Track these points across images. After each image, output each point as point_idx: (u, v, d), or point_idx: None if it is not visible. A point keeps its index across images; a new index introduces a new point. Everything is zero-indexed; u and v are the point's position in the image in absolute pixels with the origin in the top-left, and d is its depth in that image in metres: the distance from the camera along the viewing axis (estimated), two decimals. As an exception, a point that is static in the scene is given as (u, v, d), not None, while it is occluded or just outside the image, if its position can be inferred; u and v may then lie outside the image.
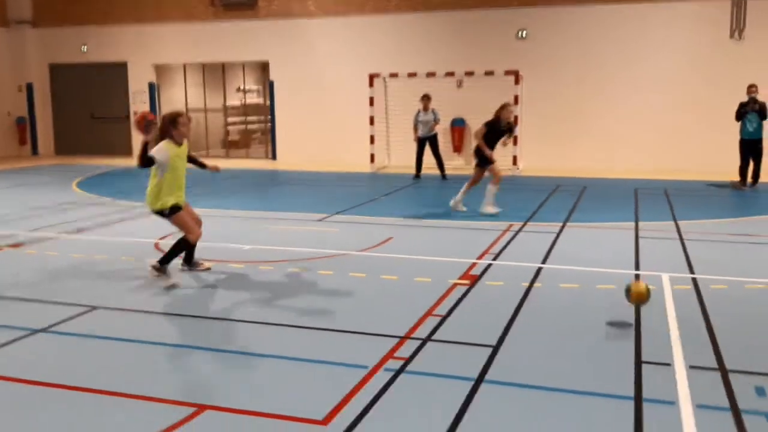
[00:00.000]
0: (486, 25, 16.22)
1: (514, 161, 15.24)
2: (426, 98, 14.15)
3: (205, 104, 20.10)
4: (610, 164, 15.48)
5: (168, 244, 6.94)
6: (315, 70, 17.62)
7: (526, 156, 15.88)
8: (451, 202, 10.11)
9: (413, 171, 14.51)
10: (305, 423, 3.57)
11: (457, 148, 16.69)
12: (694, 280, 6.29)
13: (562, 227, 8.84)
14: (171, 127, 6.20)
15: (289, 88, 17.91)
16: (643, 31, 15.34)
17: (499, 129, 9.71)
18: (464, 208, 9.95)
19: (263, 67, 19.09)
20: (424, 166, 14.44)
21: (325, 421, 3.59)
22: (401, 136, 16.38)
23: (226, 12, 18.30)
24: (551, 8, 15.79)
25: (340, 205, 10.70)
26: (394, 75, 16.04)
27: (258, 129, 22.06)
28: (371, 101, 15.85)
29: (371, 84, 15.89)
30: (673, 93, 15.27)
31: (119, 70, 19.55)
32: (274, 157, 18.54)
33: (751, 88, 12.55)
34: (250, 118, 21.71)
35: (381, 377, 4.17)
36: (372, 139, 16.02)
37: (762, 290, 6.02)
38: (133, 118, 7.08)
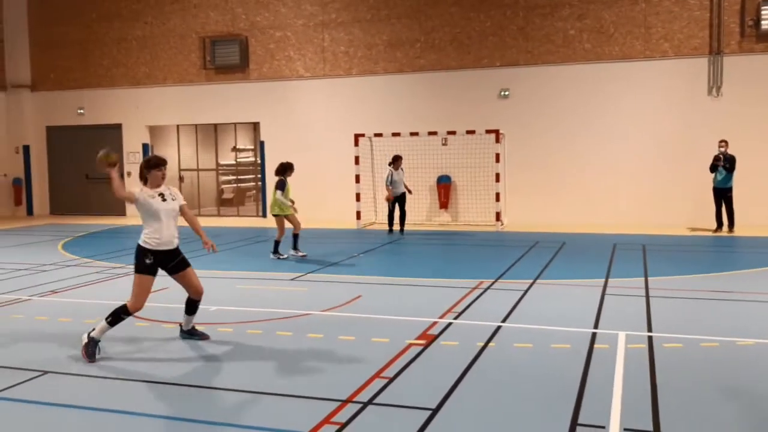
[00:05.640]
0: (469, 86, 16.59)
1: (497, 217, 15.36)
2: (398, 159, 14.58)
3: (197, 164, 20.44)
4: (592, 219, 15.58)
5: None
6: (303, 130, 17.98)
7: (510, 212, 16.01)
8: None
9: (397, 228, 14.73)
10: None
11: (444, 205, 16.87)
12: (649, 338, 6.29)
13: (531, 284, 8.88)
14: None
15: (278, 147, 18.24)
16: (622, 88, 15.66)
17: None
18: None
19: (255, 127, 19.49)
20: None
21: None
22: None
23: (218, 75, 18.80)
24: (533, 68, 16.17)
25: (318, 264, 10.78)
26: (378, 135, 16.35)
27: (251, 187, 22.34)
28: (356, 160, 16.11)
29: (356, 143, 16.19)
30: (654, 147, 15.48)
31: (114, 131, 19.98)
32: (264, 214, 18.73)
33: (720, 143, 13.69)
34: (243, 177, 22.02)
35: (312, 443, 4.18)
36: (358, 197, 16.22)
37: (714, 348, 6.00)
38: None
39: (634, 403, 4.74)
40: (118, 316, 5.85)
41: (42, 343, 6.48)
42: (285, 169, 11.37)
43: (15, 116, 20.60)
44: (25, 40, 20.45)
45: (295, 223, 11.38)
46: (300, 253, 11.41)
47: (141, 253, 5.90)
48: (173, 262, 6.07)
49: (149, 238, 5.92)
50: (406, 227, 14.75)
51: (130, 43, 19.46)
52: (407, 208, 14.84)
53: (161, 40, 19.21)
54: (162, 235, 5.92)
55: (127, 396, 5.16)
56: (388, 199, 14.38)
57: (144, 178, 6.15)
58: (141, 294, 5.88)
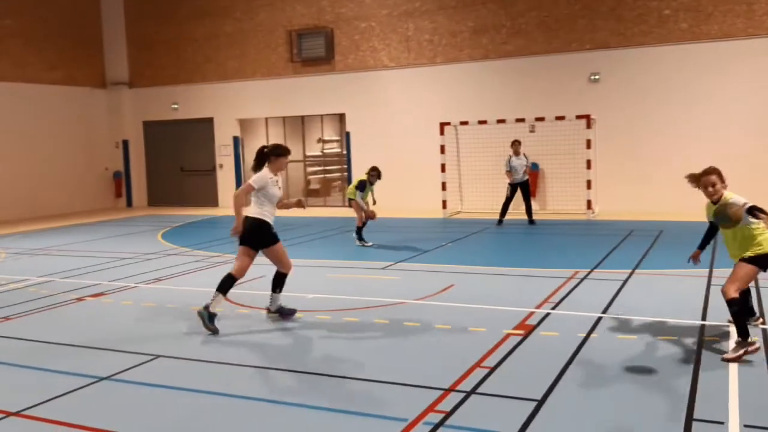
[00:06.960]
0: (557, 70, 16.17)
1: (589, 205, 14.93)
2: (517, 143, 14.12)
3: (285, 155, 20.82)
4: (690, 207, 14.83)
5: (239, 294, 7.23)
6: (388, 120, 18.02)
7: (601, 200, 15.53)
8: None
9: (486, 216, 14.52)
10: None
11: (532, 193, 16.50)
12: (764, 331, 5.97)
13: (630, 274, 8.59)
14: None
15: (364, 137, 18.37)
16: (722, 70, 14.86)
17: None
18: None
19: (340, 118, 19.70)
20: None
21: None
22: (473, 182, 16.46)
23: (304, 67, 19.08)
24: (625, 50, 15.58)
25: (407, 253, 10.81)
26: (464, 123, 16.19)
27: (337, 178, 22.66)
28: (442, 149, 16.03)
29: (442, 132, 16.09)
30: (756, 132, 14.63)
31: (206, 125, 20.67)
32: (350, 204, 18.88)
33: None
34: (329, 168, 22.34)
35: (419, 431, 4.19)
36: (444, 186, 16.15)
37: (840, 343, 5.63)
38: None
39: (754, 398, 4.51)
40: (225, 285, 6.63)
41: (153, 328, 6.79)
42: (369, 172, 11.93)
43: (114, 112, 21.62)
44: (123, 39, 21.39)
45: (359, 215, 11.82)
46: (366, 243, 11.82)
47: (266, 226, 6.61)
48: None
49: (266, 213, 6.65)
50: (507, 216, 14.33)
51: (220, 39, 20.02)
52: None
53: (250, 35, 19.66)
54: (271, 213, 6.74)
55: (231, 379, 5.33)
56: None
57: (262, 163, 6.87)
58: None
